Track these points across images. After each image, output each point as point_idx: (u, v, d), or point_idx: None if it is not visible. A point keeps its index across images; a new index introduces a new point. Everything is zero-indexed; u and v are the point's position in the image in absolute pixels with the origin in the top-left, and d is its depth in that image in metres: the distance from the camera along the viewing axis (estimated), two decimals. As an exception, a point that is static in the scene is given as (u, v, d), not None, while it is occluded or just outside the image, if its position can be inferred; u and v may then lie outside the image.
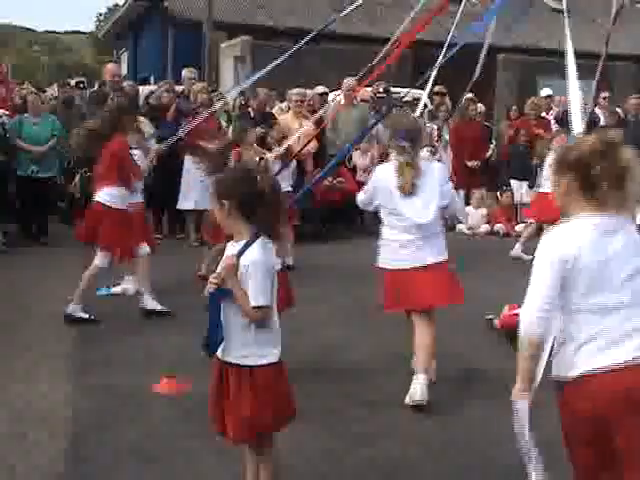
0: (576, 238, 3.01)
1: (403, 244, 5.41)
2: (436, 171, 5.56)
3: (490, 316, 7.20)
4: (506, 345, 6.75)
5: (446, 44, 6.79)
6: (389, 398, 5.47)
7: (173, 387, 5.50)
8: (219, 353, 3.56)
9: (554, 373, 3.15)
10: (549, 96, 14.79)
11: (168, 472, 4.37)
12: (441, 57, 6.43)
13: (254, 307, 3.44)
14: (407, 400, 5.23)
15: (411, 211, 5.38)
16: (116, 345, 6.54)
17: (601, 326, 2.98)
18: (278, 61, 7.26)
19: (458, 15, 7.11)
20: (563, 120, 14.58)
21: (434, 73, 6.75)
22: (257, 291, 3.44)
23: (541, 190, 10.12)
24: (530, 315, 3.08)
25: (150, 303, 7.44)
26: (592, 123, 13.69)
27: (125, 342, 6.63)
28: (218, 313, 3.51)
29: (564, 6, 6.24)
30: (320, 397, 5.33)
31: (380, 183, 5.51)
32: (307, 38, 7.33)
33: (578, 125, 5.02)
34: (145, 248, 7.51)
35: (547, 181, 11.24)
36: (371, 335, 6.93)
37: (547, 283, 3.02)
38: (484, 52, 6.99)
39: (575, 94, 5.58)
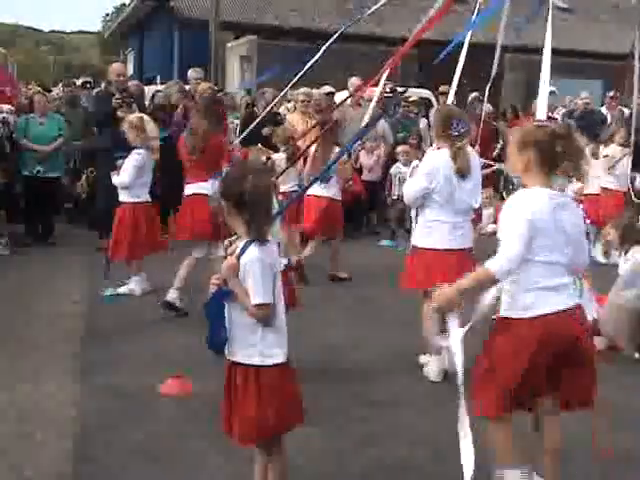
0: (539, 204, 3.62)
1: (455, 226, 5.78)
2: (476, 157, 5.99)
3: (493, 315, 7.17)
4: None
5: (465, 44, 6.75)
6: (395, 398, 5.47)
7: (179, 387, 5.50)
8: (226, 353, 3.57)
9: (504, 312, 3.75)
10: (552, 92, 14.73)
11: (174, 472, 4.37)
12: (462, 56, 6.44)
13: (255, 305, 3.45)
14: None
15: (465, 195, 5.78)
16: (123, 345, 6.55)
17: (549, 278, 3.64)
18: (313, 60, 7.25)
19: (474, 13, 7.06)
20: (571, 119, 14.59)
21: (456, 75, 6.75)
22: (257, 289, 3.44)
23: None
24: (503, 264, 3.60)
25: (172, 296, 7.43)
26: (600, 122, 13.69)
27: (132, 342, 6.63)
28: (222, 313, 3.52)
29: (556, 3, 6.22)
30: (326, 397, 5.32)
31: (438, 167, 5.75)
32: (336, 35, 7.30)
33: (542, 113, 5.33)
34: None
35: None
36: (377, 335, 6.92)
37: (521, 238, 3.59)
38: (498, 52, 6.99)
39: (545, 83, 5.84)
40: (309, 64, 7.57)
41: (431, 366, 5.90)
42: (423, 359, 6.08)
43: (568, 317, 3.67)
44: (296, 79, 7.95)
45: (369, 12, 8.04)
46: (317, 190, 8.98)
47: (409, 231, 10.74)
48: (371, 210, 12.99)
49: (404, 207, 9.72)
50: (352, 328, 7.17)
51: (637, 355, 6.43)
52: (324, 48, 7.46)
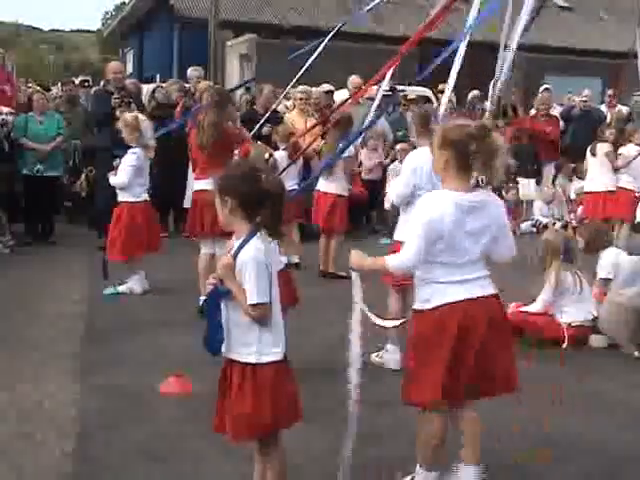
0: (442, 208, 3.74)
1: None
2: None
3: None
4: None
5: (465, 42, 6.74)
6: (395, 397, 5.42)
7: (180, 387, 5.49)
8: (223, 351, 3.56)
9: (416, 305, 3.98)
10: (546, 89, 14.68)
11: (176, 472, 4.36)
12: (459, 55, 6.43)
13: (251, 305, 3.44)
14: None
15: None
16: (123, 345, 6.55)
17: (452, 275, 3.82)
18: (312, 59, 7.23)
19: (473, 12, 7.03)
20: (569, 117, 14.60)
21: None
22: (253, 289, 3.43)
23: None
24: (398, 264, 3.89)
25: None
26: (599, 120, 13.69)
27: (132, 342, 6.63)
28: (218, 313, 3.51)
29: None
30: (325, 396, 5.31)
31: (421, 165, 5.69)
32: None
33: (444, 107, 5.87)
34: None
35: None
36: (378, 334, 6.90)
37: (417, 242, 3.76)
38: (512, 51, 6.96)
39: (452, 81, 6.28)
40: (307, 63, 7.55)
41: (391, 355, 6.08)
42: (374, 358, 6.22)
43: (471, 305, 3.82)
44: (295, 79, 7.95)
45: (367, 9, 8.02)
46: (324, 186, 9.06)
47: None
48: (372, 209, 13.00)
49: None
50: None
51: (637, 354, 6.43)
52: (322, 46, 7.45)
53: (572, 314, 6.75)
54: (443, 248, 3.77)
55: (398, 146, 12.23)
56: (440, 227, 3.72)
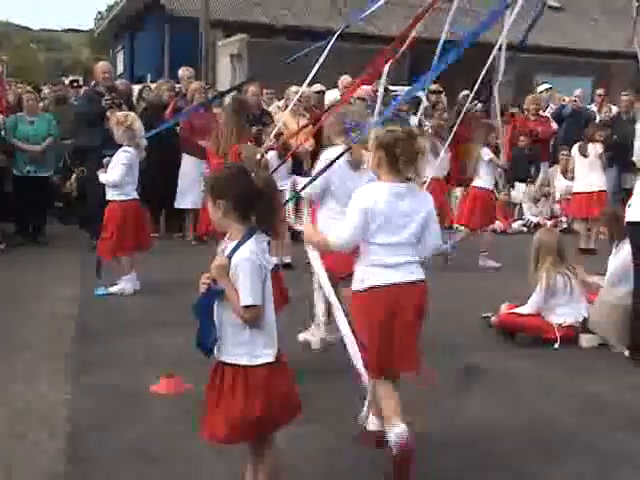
0: (376, 195, 4.31)
1: None
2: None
3: (488, 314, 7.20)
4: (504, 343, 6.78)
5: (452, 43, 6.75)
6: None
7: (173, 387, 5.49)
8: (215, 353, 3.56)
9: (353, 286, 4.43)
10: (549, 89, 14.71)
11: (169, 472, 4.36)
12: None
13: (244, 306, 3.43)
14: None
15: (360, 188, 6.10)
16: (115, 345, 6.54)
17: (385, 256, 4.31)
18: (321, 60, 7.28)
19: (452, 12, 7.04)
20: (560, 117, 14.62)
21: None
22: (246, 290, 3.43)
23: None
24: (337, 242, 4.41)
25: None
26: (588, 119, 13.73)
27: (124, 342, 6.62)
28: (211, 313, 3.51)
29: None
30: (320, 396, 5.31)
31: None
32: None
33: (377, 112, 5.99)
34: None
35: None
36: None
37: (354, 224, 4.30)
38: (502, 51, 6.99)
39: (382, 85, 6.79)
40: (318, 63, 7.56)
41: (315, 336, 6.47)
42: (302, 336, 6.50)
43: (400, 289, 4.30)
44: (309, 78, 7.94)
45: (366, 13, 8.00)
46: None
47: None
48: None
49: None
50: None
51: (627, 353, 6.44)
52: (328, 47, 7.45)
53: (563, 315, 6.77)
54: (379, 229, 4.30)
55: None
56: (374, 210, 4.28)
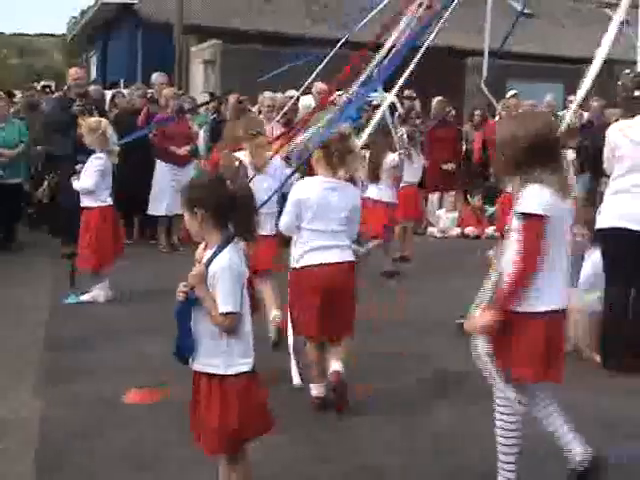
0: (310, 188, 5.16)
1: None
2: (277, 160, 6.76)
3: (462, 320, 7.18)
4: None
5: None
6: (364, 405, 5.44)
7: (146, 396, 5.44)
8: (191, 362, 3.55)
9: (291, 264, 5.27)
10: (514, 95, 14.74)
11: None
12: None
13: (222, 314, 3.43)
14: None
15: (262, 192, 6.35)
16: (87, 354, 6.48)
17: (318, 240, 5.13)
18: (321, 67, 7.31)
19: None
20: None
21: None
22: (225, 297, 3.43)
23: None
24: (280, 226, 5.34)
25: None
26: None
27: (97, 350, 6.57)
28: (188, 321, 3.50)
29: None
30: (295, 404, 5.31)
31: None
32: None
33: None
34: None
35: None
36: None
37: (290, 212, 5.19)
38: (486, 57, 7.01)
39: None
40: (320, 67, 7.62)
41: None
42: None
43: (330, 268, 5.12)
44: (309, 80, 7.95)
45: (361, 23, 8.03)
46: (374, 193, 9.40)
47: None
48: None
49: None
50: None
51: (599, 359, 6.45)
52: (330, 55, 7.50)
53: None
54: (312, 217, 5.12)
55: (362, 151, 12.22)
56: (309, 200, 5.10)
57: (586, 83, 5.08)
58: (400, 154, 9.74)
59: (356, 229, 5.39)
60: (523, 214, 3.77)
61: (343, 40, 7.42)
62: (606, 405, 5.57)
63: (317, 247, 5.13)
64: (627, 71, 7.74)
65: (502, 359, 3.88)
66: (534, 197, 3.74)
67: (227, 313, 3.43)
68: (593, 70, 5.00)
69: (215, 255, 3.48)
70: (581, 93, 5.19)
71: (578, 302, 6.72)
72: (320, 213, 5.11)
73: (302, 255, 5.16)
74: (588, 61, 5.20)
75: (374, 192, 9.38)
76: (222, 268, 3.44)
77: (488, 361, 3.91)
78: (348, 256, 5.24)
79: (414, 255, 10.56)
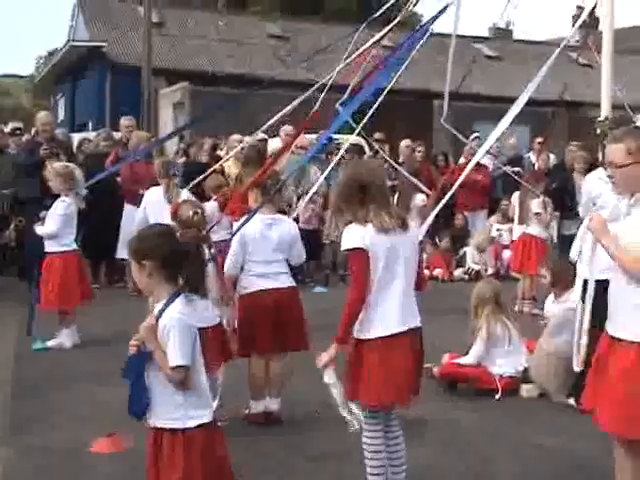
0: (249, 227, 5.51)
1: None
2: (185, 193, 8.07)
3: (429, 364, 7.17)
4: (446, 394, 6.77)
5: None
6: (336, 449, 5.38)
7: (113, 445, 5.35)
8: (147, 418, 3.48)
9: (238, 291, 5.87)
10: (477, 137, 14.88)
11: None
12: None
13: (172, 367, 3.37)
14: None
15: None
16: (53, 401, 6.41)
17: (262, 269, 5.80)
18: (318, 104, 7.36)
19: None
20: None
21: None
22: (175, 351, 3.37)
23: None
24: (229, 270, 5.83)
25: None
26: (527, 168, 13.93)
27: (63, 397, 6.49)
28: (142, 376, 3.43)
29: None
30: (268, 449, 5.25)
31: (152, 200, 8.98)
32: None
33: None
34: None
35: None
36: (314, 387, 6.83)
37: (234, 253, 5.75)
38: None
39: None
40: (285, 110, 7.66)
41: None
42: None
43: (274, 293, 5.77)
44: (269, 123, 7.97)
45: (343, 65, 8.07)
46: None
47: (343, 277, 10.71)
48: (308, 259, 12.92)
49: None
50: (297, 377, 6.86)
51: (570, 401, 6.45)
52: (301, 100, 7.52)
53: (503, 365, 6.79)
54: (254, 251, 5.74)
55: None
56: (249, 238, 5.70)
57: (508, 117, 5.74)
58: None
59: (298, 254, 6.07)
60: (347, 250, 4.14)
61: (315, 87, 7.44)
62: (577, 447, 5.54)
63: (261, 274, 5.78)
64: (601, 118, 7.80)
65: (350, 389, 4.22)
66: (354, 234, 4.13)
67: (177, 367, 3.37)
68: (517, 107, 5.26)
69: (165, 308, 3.43)
70: (502, 127, 5.50)
71: (547, 345, 6.75)
72: (262, 246, 5.78)
73: (249, 284, 5.82)
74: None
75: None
76: (172, 321, 3.39)
77: (337, 392, 4.25)
78: (290, 282, 5.95)
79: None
